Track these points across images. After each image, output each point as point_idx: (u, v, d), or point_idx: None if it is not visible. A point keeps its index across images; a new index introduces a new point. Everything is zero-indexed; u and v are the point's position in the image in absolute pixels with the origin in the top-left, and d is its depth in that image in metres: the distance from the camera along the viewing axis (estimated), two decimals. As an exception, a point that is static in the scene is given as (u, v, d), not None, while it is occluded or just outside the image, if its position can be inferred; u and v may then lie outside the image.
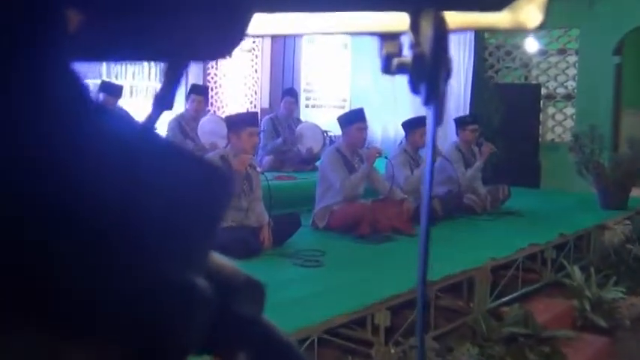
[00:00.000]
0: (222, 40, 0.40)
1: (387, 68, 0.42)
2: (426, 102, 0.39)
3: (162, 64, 0.44)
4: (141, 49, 0.40)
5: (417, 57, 0.40)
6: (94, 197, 0.33)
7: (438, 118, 0.40)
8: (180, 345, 0.36)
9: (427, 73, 0.40)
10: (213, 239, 0.39)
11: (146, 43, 0.39)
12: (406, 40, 0.42)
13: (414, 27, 0.40)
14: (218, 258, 0.49)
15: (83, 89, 0.35)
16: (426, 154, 0.48)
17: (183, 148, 0.38)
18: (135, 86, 6.63)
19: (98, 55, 0.40)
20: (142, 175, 0.34)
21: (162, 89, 0.41)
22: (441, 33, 0.39)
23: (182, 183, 0.36)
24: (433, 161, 0.46)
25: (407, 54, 0.42)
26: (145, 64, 6.63)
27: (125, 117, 0.37)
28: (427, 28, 0.40)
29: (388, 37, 0.42)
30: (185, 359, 0.38)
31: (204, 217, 0.38)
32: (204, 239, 0.39)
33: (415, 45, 0.41)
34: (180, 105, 6.67)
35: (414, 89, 0.40)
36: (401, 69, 0.41)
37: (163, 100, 0.42)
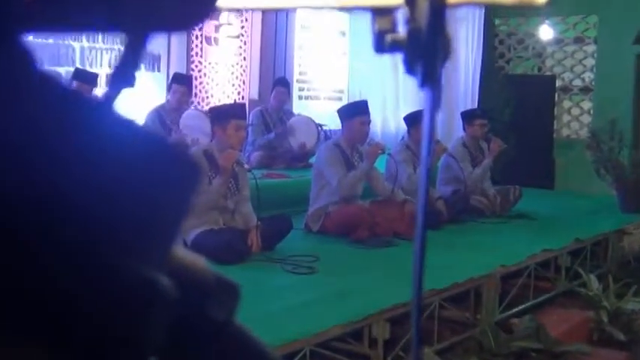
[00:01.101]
0: (190, 6, 0.39)
1: (380, 46, 0.41)
2: (423, 84, 0.38)
3: (123, 35, 0.43)
4: (97, 16, 0.38)
5: (413, 33, 0.39)
6: (34, 180, 0.31)
7: (436, 103, 0.38)
8: (134, 348, 0.35)
9: (423, 51, 0.39)
10: (178, 231, 0.38)
11: (103, 10, 0.38)
12: (401, 16, 0.41)
13: (410, 0, 0.39)
14: (184, 254, 0.48)
15: (32, 65, 0.33)
16: (422, 149, 0.47)
17: (143, 128, 0.37)
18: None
19: (51, 24, 0.39)
20: (93, 155, 0.33)
21: (121, 63, 0.40)
22: (439, 7, 0.38)
23: (141, 165, 0.35)
24: (431, 154, 0.44)
25: (402, 30, 0.41)
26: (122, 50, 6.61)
27: (79, 95, 0.36)
28: (423, 2, 0.39)
29: (381, 12, 0.41)
30: None
31: (167, 204, 0.37)
32: (167, 230, 0.38)
33: (410, 20, 0.40)
34: (161, 96, 6.66)
35: (409, 69, 0.39)
36: (395, 47, 0.40)
37: (123, 76, 0.40)
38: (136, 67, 0.41)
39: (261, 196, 4.61)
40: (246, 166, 4.59)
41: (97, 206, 0.33)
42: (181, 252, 0.47)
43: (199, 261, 0.49)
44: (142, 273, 0.35)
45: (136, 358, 0.36)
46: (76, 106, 0.35)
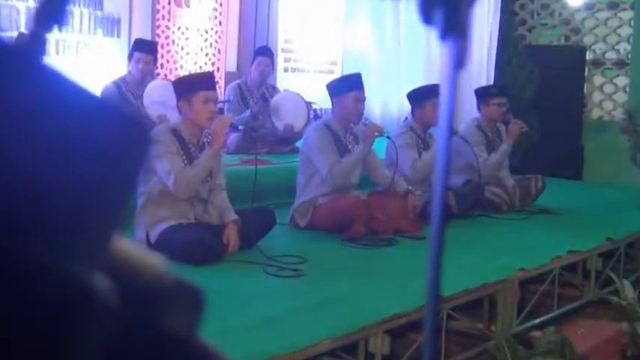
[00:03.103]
0: None
1: None
2: (444, 34, 0.35)
3: None
4: None
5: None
6: None
7: (461, 59, 0.36)
8: None
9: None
10: (119, 215, 0.36)
11: None
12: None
13: None
14: (132, 250, 0.45)
15: None
16: (438, 129, 0.45)
17: (76, 83, 0.35)
18: (63, 40, 6.55)
19: None
20: (7, 114, 0.31)
21: None
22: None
23: (72, 126, 0.33)
24: (450, 132, 0.42)
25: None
26: (76, 12, 6.56)
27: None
28: None
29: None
30: None
31: (106, 180, 0.34)
32: (106, 216, 0.36)
33: None
34: (122, 66, 6.61)
35: (426, 17, 0.37)
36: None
37: (51, 12, 0.38)
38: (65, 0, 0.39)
39: (241, 186, 4.59)
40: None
41: (11, 177, 0.31)
42: (128, 247, 0.45)
43: (154, 260, 0.47)
44: (68, 270, 0.33)
45: None
46: None
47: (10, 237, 0.32)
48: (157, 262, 0.47)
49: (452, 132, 0.47)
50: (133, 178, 0.37)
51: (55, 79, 0.34)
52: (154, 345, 0.45)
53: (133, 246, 0.45)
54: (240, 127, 6.13)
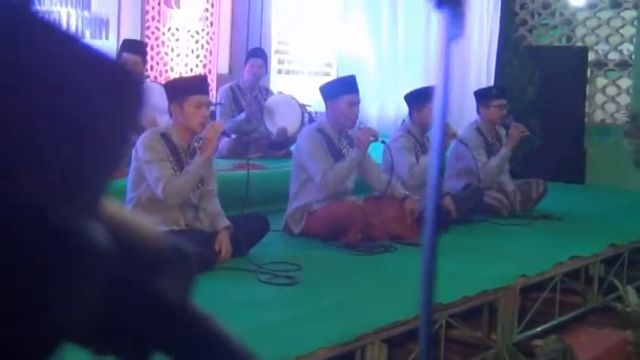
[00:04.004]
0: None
1: None
2: (440, 3, 0.37)
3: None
4: None
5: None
6: None
7: (457, 30, 0.37)
8: (48, 316, 0.34)
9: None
10: (113, 166, 0.37)
11: None
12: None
13: None
14: (130, 215, 0.47)
15: None
16: (434, 102, 0.46)
17: (69, 32, 0.36)
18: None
19: None
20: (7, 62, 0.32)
21: None
22: None
23: (67, 75, 0.34)
24: (444, 120, 0.44)
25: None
26: (63, 13, 6.56)
27: None
28: None
29: None
30: (61, 337, 0.36)
31: (99, 130, 0.36)
32: (99, 163, 0.37)
33: None
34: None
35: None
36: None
37: None
38: None
39: (233, 192, 4.60)
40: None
41: (7, 123, 0.32)
42: (125, 212, 0.46)
43: (149, 226, 0.48)
44: (65, 216, 0.34)
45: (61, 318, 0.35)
46: None
47: (24, 187, 0.33)
48: (152, 227, 0.49)
49: (448, 106, 0.48)
50: (129, 132, 0.38)
51: (45, 28, 0.36)
52: (149, 304, 0.47)
53: (129, 212, 0.47)
54: (233, 135, 6.15)
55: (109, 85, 0.36)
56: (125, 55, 6.29)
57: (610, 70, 9.24)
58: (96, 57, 0.37)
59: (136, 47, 6.47)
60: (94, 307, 0.37)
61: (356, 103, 5.14)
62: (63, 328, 0.36)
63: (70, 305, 0.35)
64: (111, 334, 0.44)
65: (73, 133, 0.35)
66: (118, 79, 0.36)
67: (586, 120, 9.15)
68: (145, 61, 6.61)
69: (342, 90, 5.13)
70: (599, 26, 9.25)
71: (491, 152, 6.29)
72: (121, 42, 6.71)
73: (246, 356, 0.60)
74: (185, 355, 0.51)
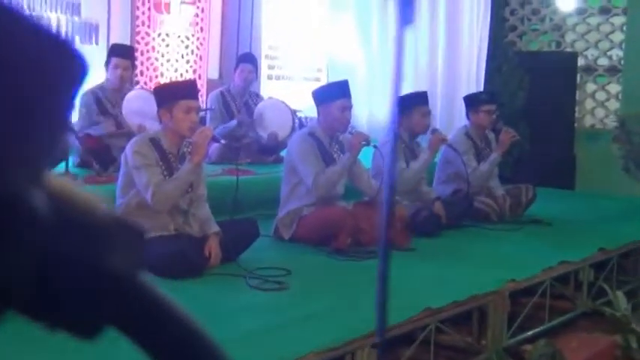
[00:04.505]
0: None
1: None
2: None
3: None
4: None
5: None
6: None
7: (409, 15, 0.38)
8: None
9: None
10: (56, 138, 0.38)
11: None
12: None
13: None
14: (74, 188, 0.47)
15: None
16: (391, 85, 0.47)
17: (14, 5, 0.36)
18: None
19: None
20: None
21: None
22: None
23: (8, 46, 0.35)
24: (399, 89, 0.44)
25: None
26: (52, 18, 6.55)
27: None
28: None
29: None
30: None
31: (39, 96, 0.36)
32: (40, 133, 0.37)
33: None
34: (100, 73, 6.59)
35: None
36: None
37: None
38: None
39: (223, 197, 4.60)
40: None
41: None
42: (69, 185, 0.46)
43: (94, 200, 0.49)
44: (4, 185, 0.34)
45: None
46: None
47: None
48: (97, 201, 0.49)
49: (400, 89, 0.49)
50: (71, 100, 0.39)
51: None
52: (95, 277, 0.47)
53: (74, 185, 0.47)
54: (223, 141, 6.14)
55: (44, 57, 0.37)
56: (114, 59, 6.27)
57: (599, 75, 9.28)
58: (29, 19, 0.37)
59: (125, 52, 6.45)
60: (31, 275, 0.38)
61: (348, 107, 5.15)
62: None
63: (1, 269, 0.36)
64: (58, 307, 0.45)
65: (8, 103, 0.35)
66: (54, 51, 0.37)
67: (576, 125, 9.18)
68: (134, 66, 6.59)
69: (335, 95, 5.14)
70: (588, 32, 9.29)
71: (480, 157, 6.30)
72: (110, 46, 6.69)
73: (201, 333, 0.60)
74: (136, 330, 0.51)
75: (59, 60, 0.38)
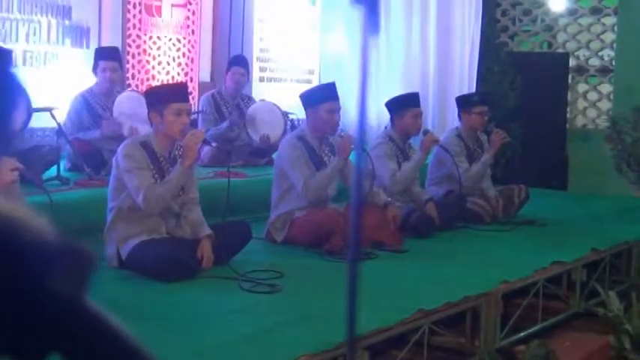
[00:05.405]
0: None
1: None
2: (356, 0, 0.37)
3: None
4: None
5: None
6: None
7: (374, 25, 0.38)
8: None
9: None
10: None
11: None
12: None
13: None
14: (20, 212, 0.46)
15: None
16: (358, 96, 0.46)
17: None
18: (30, 51, 6.53)
19: None
20: None
21: None
22: None
23: None
24: (365, 97, 0.44)
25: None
26: (43, 22, 6.54)
27: None
28: None
29: None
30: None
31: None
32: None
33: None
34: (91, 78, 6.57)
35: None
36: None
37: None
38: None
39: (215, 200, 4.59)
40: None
41: None
42: (14, 208, 0.46)
43: (40, 223, 0.48)
44: None
45: None
46: None
47: None
48: (40, 223, 0.48)
49: (367, 97, 0.48)
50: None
51: None
52: (38, 301, 0.46)
53: (17, 207, 0.46)
54: (214, 144, 6.13)
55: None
56: (102, 63, 6.23)
57: (591, 75, 9.30)
58: None
59: (111, 54, 6.38)
60: None
61: (336, 110, 5.14)
62: None
63: None
64: (1, 332, 0.44)
65: None
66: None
67: (568, 126, 9.20)
68: (122, 67, 6.55)
69: (322, 97, 5.13)
70: (579, 32, 9.31)
71: (472, 158, 6.30)
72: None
73: (143, 355, 0.59)
74: (80, 355, 0.50)
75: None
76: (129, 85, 6.97)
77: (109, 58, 6.24)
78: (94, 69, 6.24)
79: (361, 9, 0.38)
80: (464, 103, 6.51)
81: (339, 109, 5.18)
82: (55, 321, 0.48)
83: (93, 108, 6.20)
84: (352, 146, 5.00)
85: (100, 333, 0.51)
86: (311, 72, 9.05)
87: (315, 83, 8.50)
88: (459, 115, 6.49)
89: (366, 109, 0.44)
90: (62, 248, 0.48)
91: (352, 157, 5.15)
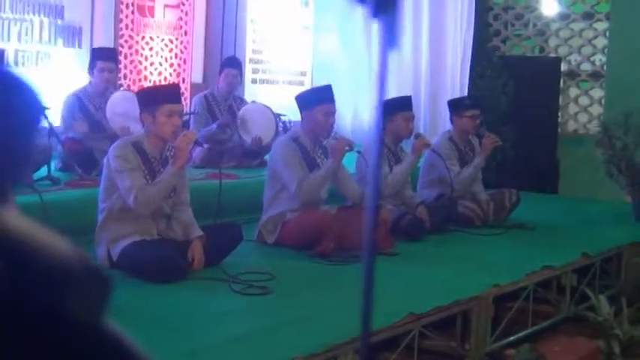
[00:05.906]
0: None
1: None
2: (376, 12, 0.37)
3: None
4: None
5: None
6: None
7: (392, 38, 0.38)
8: None
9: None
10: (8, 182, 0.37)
11: None
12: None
13: None
14: (38, 230, 0.46)
15: None
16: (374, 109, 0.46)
17: None
18: (22, 51, 6.51)
19: None
20: None
21: None
22: None
23: None
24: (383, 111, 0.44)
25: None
26: (35, 21, 6.52)
27: None
28: None
29: None
30: None
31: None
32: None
33: None
34: (83, 77, 6.56)
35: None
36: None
37: None
38: None
39: (206, 201, 4.58)
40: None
41: None
42: (33, 227, 0.45)
43: (60, 242, 0.47)
44: None
45: None
46: None
47: None
48: (58, 241, 0.48)
49: (382, 110, 0.49)
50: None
51: None
52: (55, 323, 0.45)
53: (33, 226, 0.46)
54: (205, 145, 6.12)
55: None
56: (100, 63, 6.23)
57: (582, 80, 9.32)
58: None
59: (109, 55, 6.41)
60: None
61: (332, 112, 5.14)
62: None
63: None
64: (15, 355, 0.43)
65: None
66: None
67: (559, 130, 9.21)
68: (118, 68, 6.58)
69: (318, 100, 5.13)
70: (571, 37, 9.33)
71: (464, 162, 6.31)
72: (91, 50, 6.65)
73: None
74: None
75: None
76: (121, 86, 6.95)
77: (107, 58, 6.26)
78: (91, 69, 6.23)
79: (380, 23, 0.38)
80: (456, 106, 6.51)
81: (335, 111, 5.19)
82: (72, 344, 0.47)
83: (86, 108, 6.19)
84: (346, 148, 5.01)
85: (118, 356, 0.51)
86: (303, 74, 9.05)
87: (307, 85, 8.51)
88: (451, 119, 6.49)
89: (381, 122, 0.45)
90: (82, 271, 0.47)
91: (345, 160, 5.16)
